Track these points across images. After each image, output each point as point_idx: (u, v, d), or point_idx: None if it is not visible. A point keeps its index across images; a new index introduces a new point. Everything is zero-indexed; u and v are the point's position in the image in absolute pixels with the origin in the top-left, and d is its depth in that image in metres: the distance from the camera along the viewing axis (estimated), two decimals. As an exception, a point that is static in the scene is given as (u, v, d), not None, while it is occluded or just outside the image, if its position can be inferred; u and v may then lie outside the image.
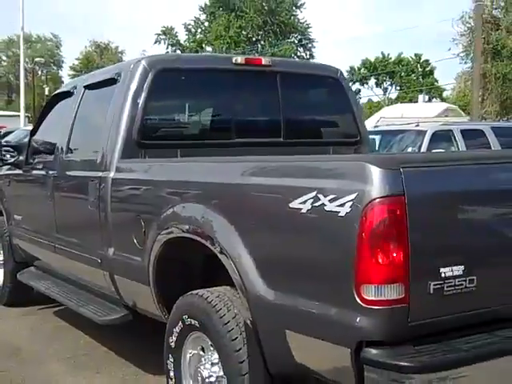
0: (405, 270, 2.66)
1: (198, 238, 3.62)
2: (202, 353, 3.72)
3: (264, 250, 3.25)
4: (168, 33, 62.11)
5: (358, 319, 2.70)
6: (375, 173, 2.66)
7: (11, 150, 6.59)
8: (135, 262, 4.29)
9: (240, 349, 3.32)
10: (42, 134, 6.29)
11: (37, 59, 56.31)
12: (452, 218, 2.83)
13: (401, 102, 63.12)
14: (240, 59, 5.15)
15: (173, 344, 3.85)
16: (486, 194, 2.96)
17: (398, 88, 74.38)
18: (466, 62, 35.37)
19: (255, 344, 3.28)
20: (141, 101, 4.68)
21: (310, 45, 61.90)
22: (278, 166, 3.38)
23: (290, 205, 2.98)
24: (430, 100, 61.25)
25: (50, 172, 5.68)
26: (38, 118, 6.53)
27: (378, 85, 76.30)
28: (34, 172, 6.13)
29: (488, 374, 2.77)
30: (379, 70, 72.66)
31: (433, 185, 2.81)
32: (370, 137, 14.08)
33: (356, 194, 2.70)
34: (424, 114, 40.95)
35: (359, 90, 75.97)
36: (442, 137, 12.48)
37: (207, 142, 5.00)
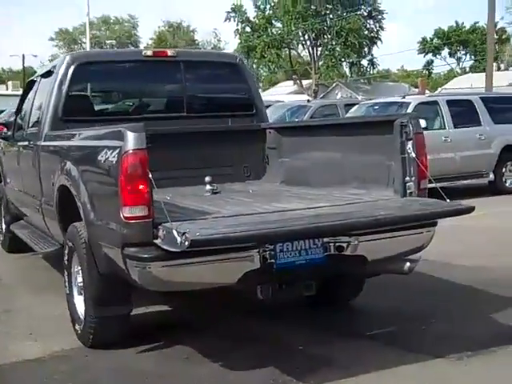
0: (148, 197, 4.14)
1: (69, 186, 5.18)
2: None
3: (92, 191, 4.80)
4: (238, 10, 63.52)
5: (122, 229, 4.21)
6: (130, 135, 4.16)
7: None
8: (51, 205, 5.89)
9: (86, 257, 4.88)
10: (20, 114, 7.97)
11: (108, 41, 59.13)
12: None
13: (473, 72, 62.74)
14: (149, 52, 6.65)
15: (66, 262, 5.44)
16: None
17: (473, 57, 73.64)
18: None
19: (91, 254, 4.83)
20: (64, 87, 6.24)
21: (379, 16, 61.92)
22: (93, 134, 4.99)
23: (98, 158, 4.52)
24: (506, 69, 60.48)
25: (21, 143, 7.35)
26: (19, 100, 8.20)
27: (451, 55, 75.84)
28: (16, 143, 7.81)
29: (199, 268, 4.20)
30: (452, 39, 72.03)
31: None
32: (373, 107, 15.21)
33: (119, 149, 4.20)
34: (495, 83, 40.63)
35: (432, 61, 75.76)
36: (426, 108, 13.41)
37: (120, 118, 6.44)
